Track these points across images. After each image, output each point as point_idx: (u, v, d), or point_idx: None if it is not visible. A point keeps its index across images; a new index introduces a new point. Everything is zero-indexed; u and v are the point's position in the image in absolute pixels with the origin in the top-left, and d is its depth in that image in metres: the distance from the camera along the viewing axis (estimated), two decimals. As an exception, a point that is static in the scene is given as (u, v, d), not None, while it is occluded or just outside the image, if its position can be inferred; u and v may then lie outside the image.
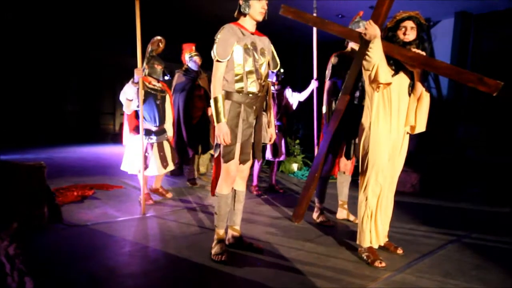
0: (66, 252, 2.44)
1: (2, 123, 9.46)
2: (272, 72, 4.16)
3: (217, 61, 2.22)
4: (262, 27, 2.43)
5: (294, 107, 4.55)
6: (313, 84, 4.02)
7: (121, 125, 12.82)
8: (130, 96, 3.39)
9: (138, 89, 3.32)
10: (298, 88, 4.61)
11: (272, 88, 4.37)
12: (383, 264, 2.29)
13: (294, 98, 4.51)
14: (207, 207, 3.72)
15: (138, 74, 3.26)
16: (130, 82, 3.37)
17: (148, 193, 3.67)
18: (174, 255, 2.39)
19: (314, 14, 3.51)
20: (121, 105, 3.54)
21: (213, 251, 2.33)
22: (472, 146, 7.40)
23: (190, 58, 4.55)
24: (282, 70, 4.60)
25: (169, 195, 3.92)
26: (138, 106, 3.41)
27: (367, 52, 2.31)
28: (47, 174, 3.10)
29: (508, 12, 11.54)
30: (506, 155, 6.47)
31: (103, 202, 3.78)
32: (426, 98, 2.38)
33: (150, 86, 3.55)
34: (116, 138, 12.10)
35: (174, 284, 2.02)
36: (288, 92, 4.52)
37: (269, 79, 4.31)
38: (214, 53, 2.21)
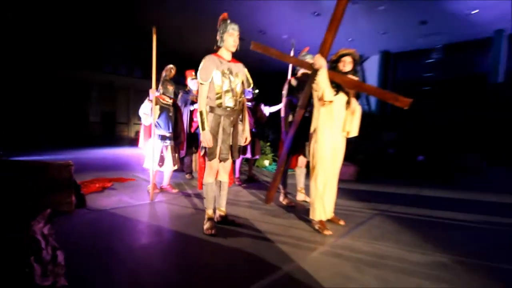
0: (91, 230, 2.35)
1: (40, 132, 9.06)
2: (249, 91, 4.14)
3: (201, 83, 2.21)
4: (240, 58, 2.43)
5: (267, 114, 4.58)
6: (283, 102, 4.01)
7: (137, 132, 12.58)
8: (147, 111, 3.34)
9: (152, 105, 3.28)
10: (269, 104, 4.65)
11: (248, 103, 4.38)
12: (330, 232, 2.34)
13: (265, 110, 4.56)
14: (200, 194, 3.65)
15: (152, 93, 3.24)
16: (146, 100, 3.34)
17: (155, 184, 3.56)
18: (175, 231, 2.36)
19: (292, 51, 3.46)
20: (134, 116, 3.46)
21: (204, 227, 2.31)
22: (392, 146, 7.68)
23: (191, 80, 4.51)
24: (257, 91, 4.61)
25: (175, 190, 3.71)
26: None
27: (316, 78, 2.34)
28: (74, 170, 2.97)
29: (416, 52, 12.14)
30: (415, 153, 6.71)
31: (119, 191, 3.64)
32: (358, 111, 2.45)
33: (164, 102, 3.49)
34: (133, 142, 11.80)
35: (175, 252, 2.00)
36: (263, 107, 4.55)
37: (246, 96, 4.31)
38: (198, 77, 2.21)
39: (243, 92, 2.40)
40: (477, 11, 8.34)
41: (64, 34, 9.82)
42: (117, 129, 12.48)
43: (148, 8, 8.52)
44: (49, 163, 2.93)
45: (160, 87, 3.47)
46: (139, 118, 3.50)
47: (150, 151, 3.41)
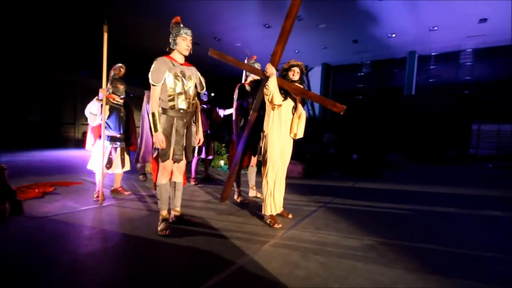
0: (29, 240, 2.01)
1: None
2: (204, 93, 4.03)
3: (153, 85, 2.07)
4: (195, 62, 2.34)
5: (222, 116, 4.50)
6: (234, 106, 3.99)
7: (84, 133, 11.22)
8: (94, 111, 2.95)
9: (101, 105, 2.92)
10: (223, 107, 4.58)
11: (204, 105, 4.27)
12: (280, 225, 2.39)
13: (220, 113, 4.48)
14: (154, 195, 3.41)
15: (102, 93, 2.88)
16: (94, 99, 2.94)
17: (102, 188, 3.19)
18: (128, 234, 2.14)
19: (246, 60, 3.38)
20: (82, 116, 3.03)
21: (159, 228, 2.16)
22: (332, 147, 8.26)
23: None
24: (212, 94, 4.51)
25: (128, 193, 3.39)
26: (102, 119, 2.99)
27: (267, 84, 2.40)
28: (9, 175, 2.52)
29: (351, 66, 13.27)
30: (350, 152, 7.35)
31: (63, 196, 3.18)
32: (303, 115, 2.56)
33: (115, 102, 3.13)
34: (80, 143, 10.50)
35: (127, 255, 1.81)
36: (218, 110, 4.46)
37: (203, 99, 4.18)
38: (150, 79, 2.05)
39: (196, 94, 2.31)
40: (394, 35, 9.52)
41: (4, 26, 8.31)
42: (62, 129, 11.02)
43: (99, 5, 7.73)
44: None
45: (109, 86, 3.12)
46: (87, 119, 3.10)
47: (97, 153, 3.05)
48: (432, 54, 11.37)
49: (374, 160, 6.74)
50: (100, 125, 3.06)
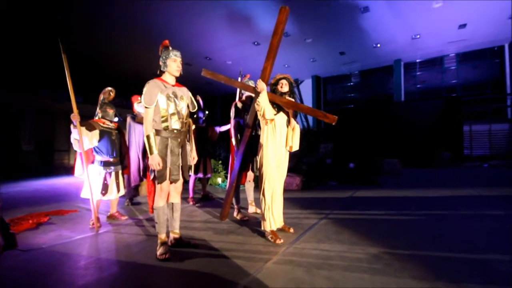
0: (24, 274, 1.93)
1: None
2: (201, 112, 4.09)
3: (146, 107, 2.09)
4: (188, 82, 2.37)
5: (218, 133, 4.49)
6: (231, 124, 4.00)
7: (75, 159, 11.00)
8: (77, 136, 2.90)
9: (81, 130, 2.86)
10: (218, 124, 4.60)
11: (200, 124, 4.27)
12: (282, 241, 2.35)
13: (216, 129, 4.49)
14: (151, 218, 3.33)
15: (74, 119, 2.81)
16: (71, 126, 2.90)
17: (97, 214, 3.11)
18: (125, 261, 2.07)
19: (239, 78, 3.44)
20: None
21: (158, 252, 2.10)
22: (329, 157, 8.28)
23: (137, 104, 4.21)
24: (207, 112, 4.54)
25: (125, 217, 3.31)
26: (92, 143, 2.96)
27: (258, 99, 2.45)
28: (2, 207, 2.45)
29: (340, 77, 13.60)
30: (346, 161, 7.36)
31: (58, 225, 3.09)
32: (297, 128, 2.59)
33: (105, 126, 3.09)
34: (73, 170, 10.31)
35: (125, 283, 1.74)
36: (215, 127, 4.47)
37: (200, 116, 4.22)
38: (142, 101, 2.09)
39: (188, 114, 2.34)
40: (379, 45, 9.86)
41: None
42: (55, 157, 10.89)
43: (92, 32, 7.90)
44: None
45: (98, 110, 3.12)
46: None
47: (90, 179, 2.98)
48: (417, 60, 11.75)
49: (371, 167, 6.75)
50: (88, 151, 3.03)
